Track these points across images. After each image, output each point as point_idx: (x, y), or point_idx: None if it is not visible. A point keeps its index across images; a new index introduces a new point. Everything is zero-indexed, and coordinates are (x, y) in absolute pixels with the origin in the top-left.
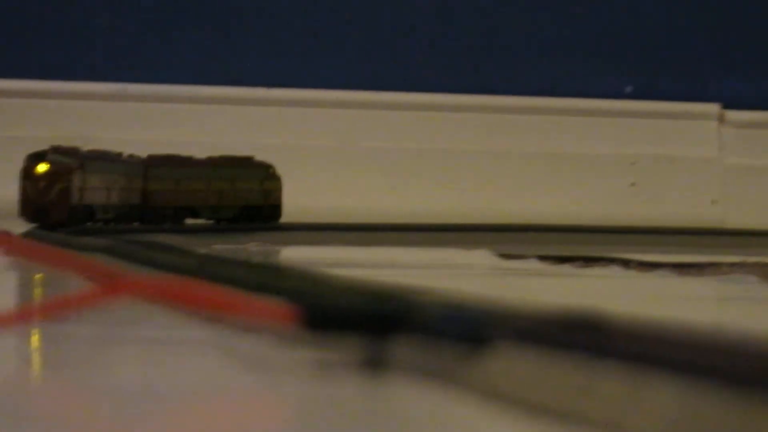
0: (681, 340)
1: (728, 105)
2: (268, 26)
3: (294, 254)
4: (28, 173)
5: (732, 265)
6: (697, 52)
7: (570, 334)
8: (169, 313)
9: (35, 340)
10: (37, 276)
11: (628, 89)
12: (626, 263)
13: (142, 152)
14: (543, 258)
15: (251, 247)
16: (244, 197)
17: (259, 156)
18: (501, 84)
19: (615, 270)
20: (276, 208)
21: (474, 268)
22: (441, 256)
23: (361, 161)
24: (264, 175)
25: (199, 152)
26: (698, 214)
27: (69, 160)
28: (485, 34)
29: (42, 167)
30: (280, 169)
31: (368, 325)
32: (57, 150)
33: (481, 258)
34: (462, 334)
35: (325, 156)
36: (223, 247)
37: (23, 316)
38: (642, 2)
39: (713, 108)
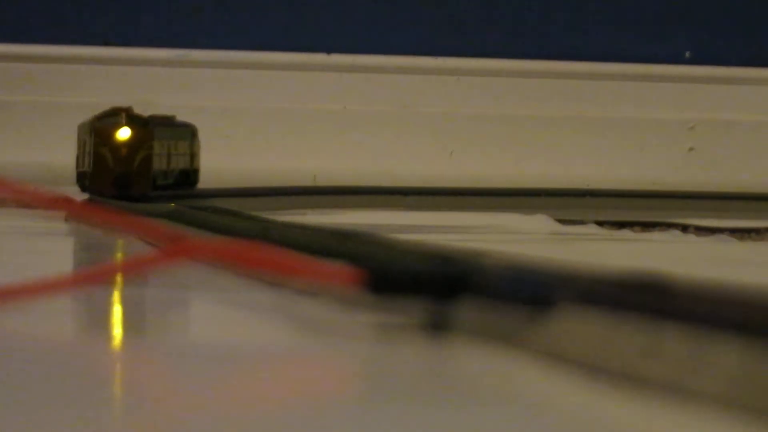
0: (744, 301)
1: None
2: None
3: (354, 219)
4: (105, 139)
5: None
6: (757, 15)
7: (633, 296)
8: (232, 277)
9: (98, 303)
10: (99, 240)
11: (687, 54)
12: (684, 228)
13: (202, 119)
14: (601, 223)
15: (310, 212)
16: (181, 161)
17: (322, 120)
18: (559, 49)
19: (674, 235)
20: (197, 173)
21: (532, 233)
22: (499, 221)
23: (419, 126)
24: (191, 137)
25: (260, 119)
26: (757, 179)
27: (146, 124)
28: (544, 0)
29: (123, 132)
30: (339, 134)
31: (431, 287)
32: (125, 112)
33: (539, 223)
34: (525, 296)
35: (384, 121)
36: (281, 212)
37: (85, 279)
38: None
39: None
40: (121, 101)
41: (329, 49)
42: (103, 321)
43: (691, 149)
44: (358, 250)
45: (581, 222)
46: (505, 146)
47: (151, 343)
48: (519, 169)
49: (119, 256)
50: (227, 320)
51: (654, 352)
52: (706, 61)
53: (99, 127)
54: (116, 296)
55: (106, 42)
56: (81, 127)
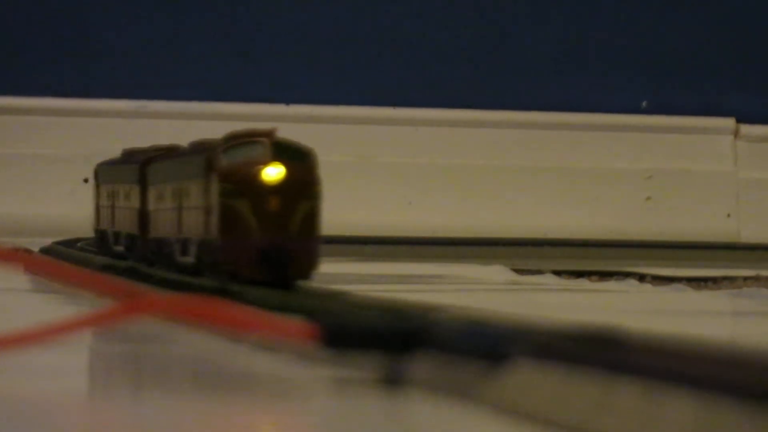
0: (697, 356)
1: (743, 119)
2: (286, 43)
3: None
4: (241, 185)
5: (747, 279)
6: (711, 66)
7: (587, 351)
8: (189, 332)
9: (57, 357)
10: (57, 294)
11: (644, 104)
12: (641, 277)
13: None
14: (558, 273)
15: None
16: None
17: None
18: (516, 99)
19: (630, 284)
20: None
21: (490, 284)
22: (457, 271)
23: (378, 176)
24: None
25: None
26: (713, 228)
27: (306, 156)
28: (500, 50)
29: (272, 171)
30: None
31: (386, 342)
32: (267, 137)
33: (496, 273)
34: (480, 350)
35: (343, 171)
36: None
37: (43, 335)
38: (657, 17)
39: (728, 122)
40: (79, 152)
41: (288, 100)
42: (57, 376)
43: (648, 198)
44: (314, 305)
45: (539, 272)
46: (464, 196)
47: (104, 397)
48: (477, 218)
49: (78, 310)
50: (182, 375)
51: (608, 406)
52: (663, 111)
53: (228, 167)
54: (72, 352)
55: (63, 94)
56: (101, 170)
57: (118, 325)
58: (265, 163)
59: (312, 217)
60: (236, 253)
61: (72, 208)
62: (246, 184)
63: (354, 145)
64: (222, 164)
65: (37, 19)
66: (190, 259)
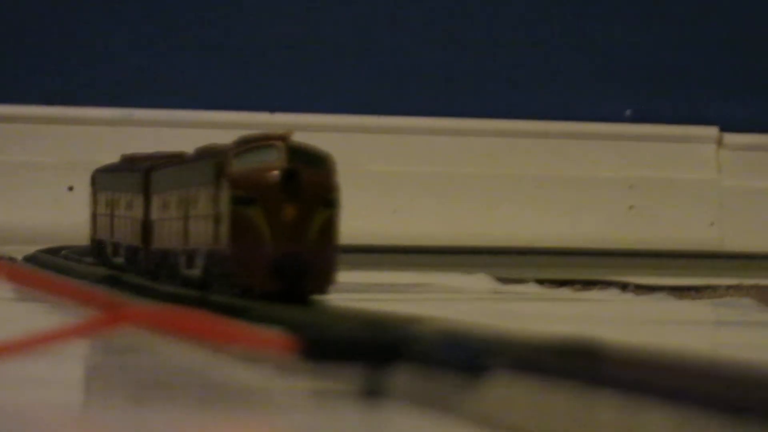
0: (677, 368)
1: (726, 128)
2: (271, 51)
3: None
4: (253, 191)
5: (729, 287)
6: (695, 75)
7: (567, 363)
8: (169, 342)
9: (39, 367)
10: (41, 303)
11: (627, 113)
12: (624, 286)
13: None
14: (541, 281)
15: None
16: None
17: None
18: (500, 108)
19: (613, 293)
20: None
21: (473, 292)
22: (440, 280)
23: (362, 184)
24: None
25: None
26: (696, 236)
27: (324, 161)
28: (485, 59)
29: (291, 177)
30: None
31: (366, 354)
32: (282, 140)
33: (479, 282)
34: (460, 363)
35: None
36: None
37: (25, 344)
38: (640, 27)
39: (711, 131)
40: (64, 160)
41: (272, 109)
42: (45, 386)
43: (631, 207)
44: (294, 316)
45: (521, 281)
46: (448, 204)
47: (82, 408)
48: (461, 227)
49: (61, 320)
50: (161, 386)
51: (588, 419)
52: (647, 120)
53: (240, 172)
54: (52, 361)
55: (49, 101)
56: (99, 177)
57: (101, 335)
58: (280, 168)
59: (330, 226)
60: (248, 264)
61: (57, 217)
62: (259, 190)
63: (338, 153)
64: (233, 169)
65: (23, 26)
66: (196, 272)
